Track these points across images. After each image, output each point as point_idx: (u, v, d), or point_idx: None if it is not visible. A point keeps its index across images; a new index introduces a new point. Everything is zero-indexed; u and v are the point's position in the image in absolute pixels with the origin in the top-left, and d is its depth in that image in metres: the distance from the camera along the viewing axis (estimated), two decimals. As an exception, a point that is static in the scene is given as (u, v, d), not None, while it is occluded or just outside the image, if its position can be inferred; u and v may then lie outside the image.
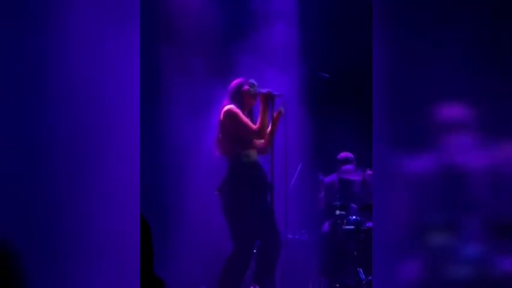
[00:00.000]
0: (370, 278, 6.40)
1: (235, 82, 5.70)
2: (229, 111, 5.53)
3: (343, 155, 7.27)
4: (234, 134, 5.53)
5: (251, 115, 5.68)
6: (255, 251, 5.76)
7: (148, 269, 2.65)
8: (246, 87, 5.60)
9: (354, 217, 6.82)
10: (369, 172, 6.85)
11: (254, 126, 5.51)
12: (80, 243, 2.67)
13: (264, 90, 5.57)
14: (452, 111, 2.72)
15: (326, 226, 7.00)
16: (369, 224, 6.67)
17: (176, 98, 6.88)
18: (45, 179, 2.65)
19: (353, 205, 6.93)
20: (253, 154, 5.59)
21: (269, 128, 5.57)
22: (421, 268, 2.75)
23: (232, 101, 5.62)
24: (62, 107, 2.69)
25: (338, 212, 6.85)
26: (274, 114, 5.53)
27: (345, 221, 6.82)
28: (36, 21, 2.66)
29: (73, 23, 2.71)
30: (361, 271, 6.55)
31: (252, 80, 5.67)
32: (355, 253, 6.66)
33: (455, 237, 2.71)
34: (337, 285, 6.66)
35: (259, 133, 5.52)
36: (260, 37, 7.10)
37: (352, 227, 6.77)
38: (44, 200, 2.64)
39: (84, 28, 2.72)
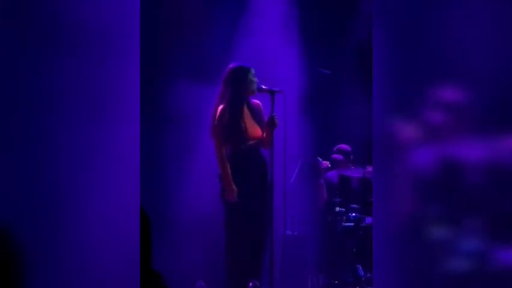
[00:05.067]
0: (369, 274, 6.40)
1: (231, 67, 5.65)
2: (218, 111, 5.55)
3: (338, 145, 7.25)
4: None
5: (250, 108, 5.66)
6: None
7: (146, 263, 2.66)
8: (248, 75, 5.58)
9: (353, 214, 6.83)
10: (369, 169, 6.85)
11: (216, 144, 5.53)
12: (80, 236, 2.68)
13: (265, 87, 5.56)
14: (453, 100, 2.72)
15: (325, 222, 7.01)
16: (369, 221, 6.68)
17: (176, 91, 6.88)
18: (46, 173, 2.66)
19: (354, 206, 6.93)
20: (251, 143, 5.59)
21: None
22: (421, 262, 2.76)
23: (226, 87, 5.59)
24: (62, 103, 2.69)
25: (337, 209, 6.86)
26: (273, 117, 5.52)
27: (344, 217, 6.83)
28: (35, 21, 2.66)
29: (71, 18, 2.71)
30: (360, 268, 6.56)
31: (251, 69, 5.63)
32: (354, 250, 6.67)
33: (456, 231, 2.71)
34: (336, 281, 6.67)
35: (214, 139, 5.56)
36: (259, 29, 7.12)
37: (351, 224, 6.78)
38: (46, 193, 2.65)
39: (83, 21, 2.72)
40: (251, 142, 5.59)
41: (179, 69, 6.85)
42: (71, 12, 2.70)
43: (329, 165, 7.11)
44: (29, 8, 2.64)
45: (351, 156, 7.17)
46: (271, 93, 5.51)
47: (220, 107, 5.57)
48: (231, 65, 5.64)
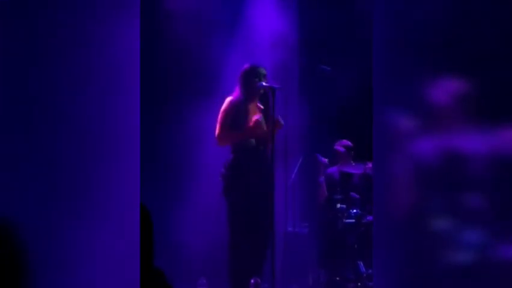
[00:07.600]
0: (370, 271, 6.40)
1: (243, 68, 5.71)
2: (225, 101, 5.58)
3: (340, 140, 7.24)
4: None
5: (259, 107, 5.68)
6: None
7: (148, 260, 2.66)
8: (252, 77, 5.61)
9: (354, 210, 6.83)
10: (369, 165, 6.85)
11: (218, 131, 5.54)
12: (81, 235, 2.68)
13: (266, 84, 5.57)
14: (453, 91, 2.72)
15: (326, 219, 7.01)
16: (370, 218, 6.67)
17: (176, 91, 6.89)
18: (46, 172, 2.66)
19: (354, 194, 6.93)
20: (252, 141, 5.60)
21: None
22: (422, 258, 2.75)
23: (239, 87, 5.65)
24: (62, 102, 2.70)
25: (338, 206, 6.86)
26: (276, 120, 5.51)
27: (345, 214, 6.82)
28: (36, 20, 2.66)
29: (72, 21, 2.71)
30: (361, 264, 6.56)
31: (261, 69, 5.66)
32: (355, 246, 6.67)
33: (457, 225, 2.71)
34: (337, 278, 6.67)
35: (219, 141, 5.57)
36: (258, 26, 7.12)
37: (352, 220, 6.78)
38: (46, 192, 2.65)
39: (83, 26, 2.72)
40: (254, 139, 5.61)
41: (179, 67, 6.87)
42: (72, 48, 2.71)
43: (328, 163, 7.11)
44: (29, 40, 2.65)
45: (352, 152, 7.17)
46: (272, 90, 5.51)
47: (229, 99, 5.63)
48: (245, 65, 5.70)
